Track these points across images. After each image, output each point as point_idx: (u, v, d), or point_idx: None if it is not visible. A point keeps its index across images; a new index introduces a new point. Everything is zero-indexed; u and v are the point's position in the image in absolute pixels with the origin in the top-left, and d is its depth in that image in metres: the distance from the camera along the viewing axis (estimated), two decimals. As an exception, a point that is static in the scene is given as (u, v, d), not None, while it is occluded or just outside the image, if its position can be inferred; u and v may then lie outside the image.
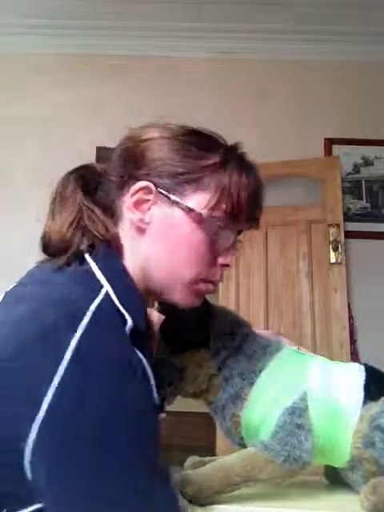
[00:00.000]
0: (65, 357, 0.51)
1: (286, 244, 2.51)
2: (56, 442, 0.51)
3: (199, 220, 0.66)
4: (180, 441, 3.81)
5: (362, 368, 0.79)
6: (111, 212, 0.70)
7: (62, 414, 0.51)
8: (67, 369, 0.51)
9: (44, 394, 0.50)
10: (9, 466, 0.53)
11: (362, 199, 2.65)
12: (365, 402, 0.73)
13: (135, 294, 0.66)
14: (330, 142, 2.69)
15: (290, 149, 2.62)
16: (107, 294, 0.61)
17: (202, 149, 0.69)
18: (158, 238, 0.67)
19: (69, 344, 0.52)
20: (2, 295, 0.68)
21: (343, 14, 2.66)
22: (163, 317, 0.83)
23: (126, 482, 0.52)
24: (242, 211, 0.68)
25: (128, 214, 0.68)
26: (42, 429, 0.50)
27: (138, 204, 0.67)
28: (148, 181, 0.67)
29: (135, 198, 0.67)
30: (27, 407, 0.51)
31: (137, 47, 2.85)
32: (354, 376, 0.77)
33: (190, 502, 0.67)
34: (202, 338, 0.79)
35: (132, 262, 0.68)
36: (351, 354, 2.29)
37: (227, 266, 0.71)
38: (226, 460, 0.71)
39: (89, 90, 2.77)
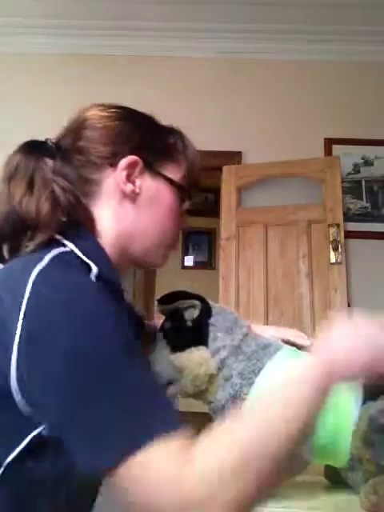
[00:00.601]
0: (26, 288, 0.56)
1: (286, 244, 2.51)
2: (36, 357, 0.54)
3: (178, 189, 0.76)
4: (180, 441, 3.83)
5: (362, 368, 0.79)
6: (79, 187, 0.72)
7: (35, 330, 0.54)
8: (29, 298, 0.56)
9: (15, 321, 0.55)
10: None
11: (361, 199, 2.64)
12: (364, 402, 0.73)
13: (101, 249, 0.69)
14: (329, 142, 2.69)
15: (289, 149, 2.62)
16: (71, 249, 0.65)
17: (164, 129, 0.79)
18: (147, 206, 0.74)
19: (30, 275, 0.57)
20: None
21: (343, 14, 2.66)
22: (163, 317, 0.83)
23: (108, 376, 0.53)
24: (197, 181, 0.80)
25: (118, 186, 0.72)
26: (21, 349, 0.54)
27: (128, 176, 0.72)
28: (134, 155, 0.72)
29: (126, 171, 0.72)
30: (2, 352, 0.55)
31: (137, 47, 2.85)
32: (353, 376, 0.77)
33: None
34: (201, 338, 0.79)
35: (112, 230, 0.72)
36: (351, 354, 2.29)
37: (182, 228, 0.81)
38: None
39: (88, 89, 2.76)
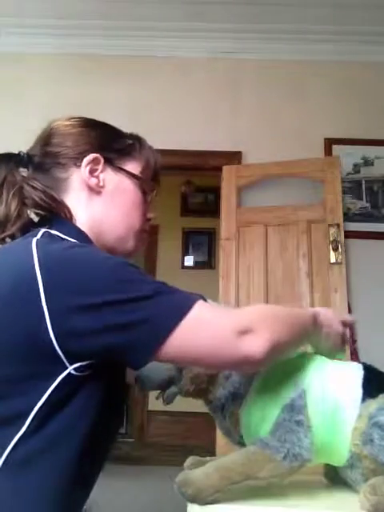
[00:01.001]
0: (32, 255, 0.66)
1: (285, 244, 2.51)
2: (73, 292, 0.63)
3: (139, 181, 0.85)
4: (180, 441, 3.82)
5: (360, 366, 0.79)
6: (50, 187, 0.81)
7: (57, 274, 0.64)
8: (38, 259, 0.65)
9: (33, 279, 0.63)
10: (33, 358, 0.63)
11: (361, 199, 2.64)
12: (363, 400, 0.73)
13: (82, 232, 0.79)
14: (329, 142, 2.69)
15: (289, 149, 2.62)
16: (54, 233, 0.75)
17: (122, 133, 0.89)
18: (112, 197, 0.83)
19: (30, 247, 0.67)
20: None
21: (343, 14, 2.66)
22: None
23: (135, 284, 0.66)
24: (157, 175, 0.90)
25: (84, 181, 0.81)
26: (48, 296, 0.62)
27: (91, 172, 0.82)
28: (96, 154, 0.82)
29: (89, 167, 0.82)
30: (30, 307, 0.63)
31: (137, 47, 2.85)
32: (352, 374, 0.77)
33: (190, 501, 0.67)
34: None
35: (85, 220, 0.81)
36: (351, 353, 2.29)
37: (151, 219, 0.90)
38: (226, 459, 0.71)
39: (89, 90, 2.77)
